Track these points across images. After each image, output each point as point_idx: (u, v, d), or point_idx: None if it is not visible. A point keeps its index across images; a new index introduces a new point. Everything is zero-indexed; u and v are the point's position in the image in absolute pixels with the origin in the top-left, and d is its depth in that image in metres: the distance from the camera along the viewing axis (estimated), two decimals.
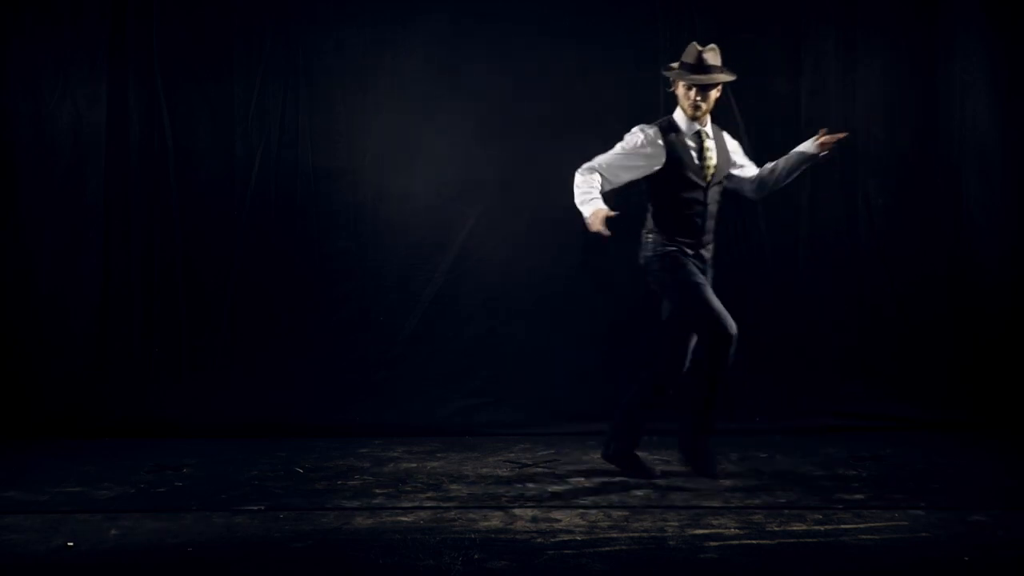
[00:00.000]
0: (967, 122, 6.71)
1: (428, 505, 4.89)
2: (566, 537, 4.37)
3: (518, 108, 6.61)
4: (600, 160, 5.19)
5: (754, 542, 4.29)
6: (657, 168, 5.17)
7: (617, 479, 5.34)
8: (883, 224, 6.74)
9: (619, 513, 4.73)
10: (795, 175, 5.41)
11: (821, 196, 6.74)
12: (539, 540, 4.33)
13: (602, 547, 4.23)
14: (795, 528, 4.47)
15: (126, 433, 6.48)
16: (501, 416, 6.59)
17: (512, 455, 5.97)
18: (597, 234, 5.00)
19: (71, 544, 4.31)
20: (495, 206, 6.67)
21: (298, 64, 6.69)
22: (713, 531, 4.43)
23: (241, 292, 6.67)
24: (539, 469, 5.61)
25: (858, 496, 5.01)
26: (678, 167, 5.17)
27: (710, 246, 5.32)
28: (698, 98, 5.16)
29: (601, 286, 6.56)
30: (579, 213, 5.13)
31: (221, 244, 6.67)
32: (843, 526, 4.49)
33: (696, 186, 5.21)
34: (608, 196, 5.18)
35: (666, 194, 5.20)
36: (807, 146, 5.31)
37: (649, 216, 5.29)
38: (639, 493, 5.11)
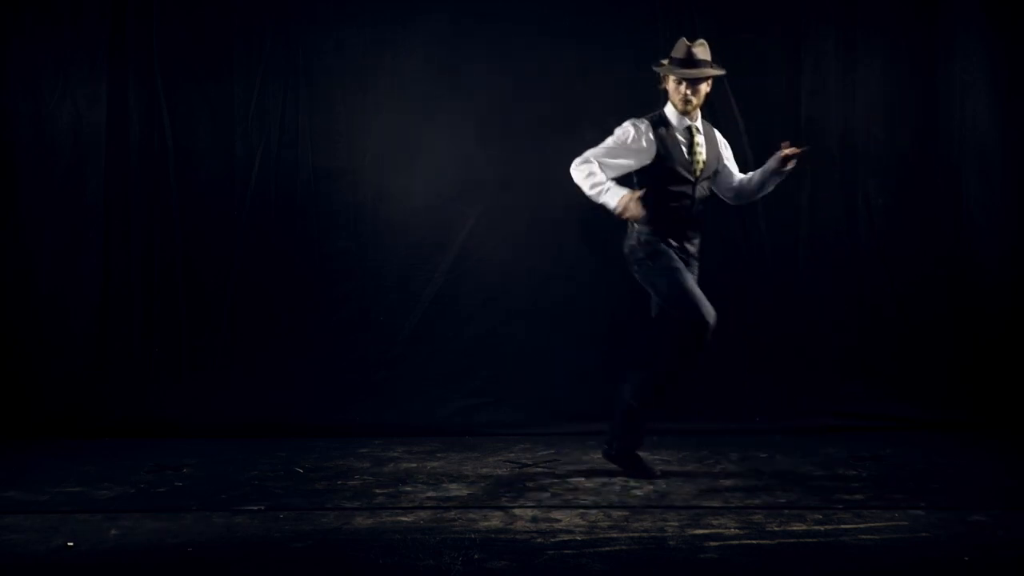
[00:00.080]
0: (967, 122, 6.71)
1: (428, 505, 4.89)
2: (566, 537, 4.37)
3: (518, 108, 6.61)
4: (592, 153, 5.21)
5: (754, 542, 4.29)
6: (647, 162, 5.19)
7: (617, 479, 5.34)
8: (883, 224, 6.74)
9: (619, 513, 4.73)
10: (767, 190, 5.48)
11: (821, 196, 6.74)
12: (539, 540, 4.33)
13: (602, 547, 4.23)
14: (795, 528, 4.47)
15: (126, 433, 6.49)
16: (501, 416, 6.59)
17: (512, 455, 5.97)
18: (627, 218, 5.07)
19: (71, 544, 4.31)
20: (495, 206, 6.67)
21: (298, 64, 6.69)
22: (713, 531, 4.43)
23: (241, 292, 6.67)
24: (539, 469, 5.61)
25: (858, 496, 5.01)
26: (667, 161, 5.18)
27: (696, 240, 5.33)
28: (688, 92, 5.19)
29: (601, 285, 6.56)
30: (595, 206, 5.15)
31: (221, 244, 6.67)
32: (843, 526, 4.49)
33: (685, 180, 5.22)
34: None
35: (655, 187, 5.21)
36: (770, 164, 5.34)
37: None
38: (639, 493, 5.11)
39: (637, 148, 5.19)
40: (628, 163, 5.21)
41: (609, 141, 5.23)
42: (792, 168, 5.34)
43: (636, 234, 5.27)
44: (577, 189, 5.25)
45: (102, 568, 4.08)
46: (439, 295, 6.69)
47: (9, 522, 4.64)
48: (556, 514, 4.72)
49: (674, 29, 6.42)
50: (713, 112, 6.61)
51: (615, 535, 4.39)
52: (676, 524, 4.53)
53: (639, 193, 5.06)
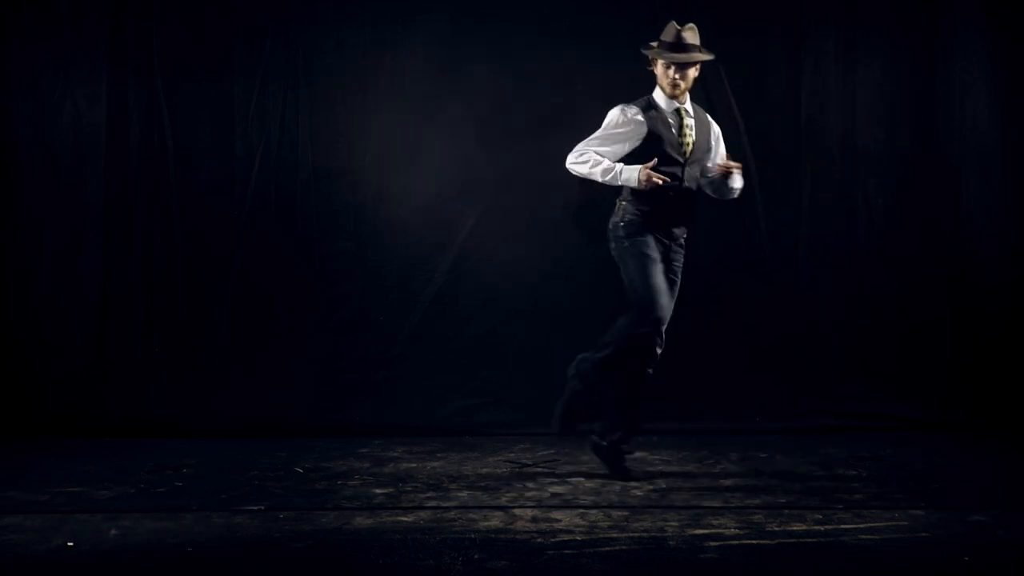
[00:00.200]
0: (967, 122, 6.71)
1: (428, 505, 4.89)
2: (566, 537, 4.37)
3: (518, 108, 6.61)
4: (586, 144, 5.23)
5: (754, 542, 4.29)
6: (637, 143, 5.20)
7: (617, 479, 5.34)
8: (883, 224, 6.74)
9: (619, 513, 4.73)
10: (724, 195, 5.46)
11: (821, 196, 6.74)
12: (539, 540, 4.33)
13: (602, 547, 4.23)
14: (795, 528, 4.47)
15: (126, 433, 6.48)
16: (501, 416, 6.58)
17: (512, 455, 5.97)
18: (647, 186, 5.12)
19: (71, 544, 4.31)
20: (495, 206, 6.67)
21: (298, 64, 6.69)
22: (713, 531, 4.43)
23: (241, 292, 6.67)
24: (539, 469, 5.61)
25: (858, 496, 5.01)
26: (657, 142, 5.19)
27: (683, 226, 5.32)
28: (676, 76, 5.21)
29: (601, 285, 6.56)
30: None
31: (221, 244, 6.67)
32: (843, 526, 4.49)
33: (674, 161, 5.22)
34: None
35: None
36: (715, 172, 5.37)
37: (625, 191, 5.29)
38: (639, 493, 5.11)
39: (626, 130, 5.22)
40: (621, 147, 5.22)
41: (599, 131, 5.25)
42: (725, 178, 5.30)
43: (622, 212, 5.27)
44: (577, 181, 5.26)
45: (102, 568, 4.08)
46: (439, 295, 6.69)
47: (9, 522, 4.64)
48: (556, 514, 4.72)
49: None
50: (713, 112, 6.61)
51: (615, 535, 4.39)
52: (676, 524, 4.53)
53: (652, 163, 5.11)
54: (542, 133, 6.46)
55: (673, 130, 5.24)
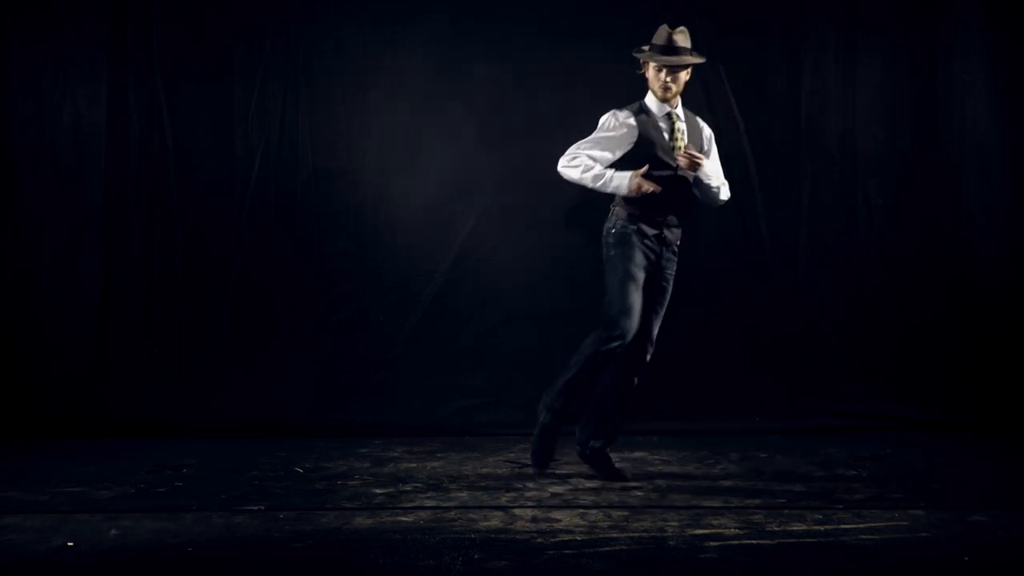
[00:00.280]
0: (967, 122, 6.72)
1: (428, 505, 4.89)
2: (566, 537, 4.37)
3: (518, 108, 6.61)
4: (577, 149, 5.22)
5: (754, 542, 4.28)
6: (629, 147, 5.20)
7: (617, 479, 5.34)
8: (883, 224, 6.74)
9: (619, 513, 4.73)
10: (706, 195, 5.37)
11: (821, 196, 6.75)
12: (539, 540, 4.33)
13: (602, 547, 4.23)
14: (795, 528, 4.47)
15: (126, 433, 6.49)
16: (501, 416, 6.58)
17: (512, 455, 5.97)
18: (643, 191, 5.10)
19: (71, 544, 4.31)
20: (495, 206, 6.68)
21: (298, 64, 6.69)
22: (713, 531, 4.43)
23: (241, 292, 6.67)
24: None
25: (858, 496, 5.01)
26: (649, 146, 5.18)
27: (676, 229, 5.30)
28: (668, 79, 5.20)
29: (600, 285, 6.56)
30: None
31: (221, 244, 6.67)
32: (843, 526, 4.49)
33: (666, 165, 5.20)
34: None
35: None
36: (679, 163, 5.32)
37: (619, 196, 5.29)
38: (639, 493, 5.11)
39: (619, 135, 5.20)
40: (613, 152, 5.22)
41: (591, 135, 5.25)
42: (693, 170, 5.25)
43: (614, 218, 5.26)
44: (571, 186, 5.26)
45: (102, 568, 4.08)
46: (439, 295, 6.69)
47: (9, 522, 4.63)
48: (556, 514, 4.72)
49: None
50: (713, 112, 6.63)
51: (615, 535, 4.39)
52: (676, 524, 4.53)
53: (643, 169, 5.09)
54: (542, 133, 6.46)
55: (665, 134, 5.24)
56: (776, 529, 4.46)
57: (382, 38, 6.68)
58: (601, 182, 5.15)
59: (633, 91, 5.41)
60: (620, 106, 5.29)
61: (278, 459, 5.88)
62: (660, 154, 5.22)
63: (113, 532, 4.49)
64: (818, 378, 6.71)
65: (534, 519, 4.64)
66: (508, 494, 5.09)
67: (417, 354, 6.68)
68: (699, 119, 5.44)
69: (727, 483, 5.29)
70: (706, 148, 5.36)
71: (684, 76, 5.25)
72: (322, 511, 4.80)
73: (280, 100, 6.69)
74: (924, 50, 6.72)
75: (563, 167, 5.24)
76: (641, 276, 5.19)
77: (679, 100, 5.31)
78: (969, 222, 6.71)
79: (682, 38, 5.22)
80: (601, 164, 5.20)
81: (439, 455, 6.00)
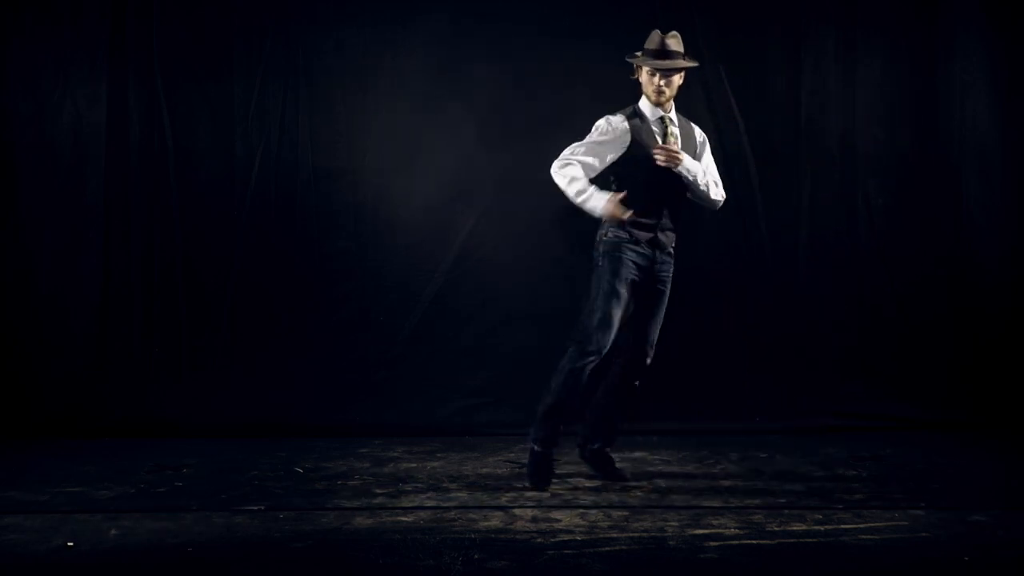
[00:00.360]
0: (967, 122, 6.72)
1: (428, 505, 4.89)
2: (566, 537, 4.37)
3: (518, 108, 6.61)
4: (571, 155, 5.22)
5: (754, 542, 4.29)
6: (622, 151, 5.20)
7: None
8: (883, 224, 6.74)
9: (619, 513, 4.73)
10: (695, 194, 5.34)
11: (821, 196, 6.75)
12: (539, 540, 4.33)
13: (602, 547, 4.23)
14: (795, 528, 4.47)
15: (126, 433, 6.49)
16: (501, 416, 6.58)
17: (512, 455, 5.97)
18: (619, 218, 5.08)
19: (71, 544, 4.31)
20: (495, 206, 6.68)
21: (298, 64, 6.69)
22: (713, 531, 4.43)
23: (241, 292, 6.67)
24: None
25: (858, 496, 5.01)
26: (642, 150, 5.18)
27: (670, 232, 5.29)
28: (661, 83, 5.20)
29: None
30: (578, 211, 5.16)
31: (221, 244, 6.67)
32: (843, 526, 4.49)
33: (659, 169, 5.20)
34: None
35: (629, 177, 5.21)
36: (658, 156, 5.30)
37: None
38: (639, 493, 5.11)
39: (612, 139, 5.20)
40: (607, 157, 5.21)
41: (586, 139, 5.25)
42: (673, 165, 5.23)
43: (607, 228, 5.26)
44: (559, 191, 5.27)
45: (102, 568, 4.08)
46: (439, 295, 6.69)
47: (9, 522, 4.64)
48: (556, 514, 4.72)
49: (674, 29, 6.43)
50: (713, 112, 6.63)
51: (615, 535, 4.39)
52: (676, 524, 4.53)
53: (621, 195, 5.08)
54: (542, 133, 6.45)
55: (658, 138, 5.23)
56: (776, 529, 4.46)
57: (382, 38, 6.68)
58: (581, 198, 5.14)
59: (633, 91, 5.41)
60: (620, 107, 5.30)
61: (278, 459, 5.88)
62: (652, 158, 5.21)
63: (113, 532, 4.49)
64: (818, 378, 6.71)
65: (534, 519, 4.64)
66: (508, 494, 5.09)
67: (417, 354, 6.69)
68: (693, 123, 5.43)
69: (727, 483, 5.29)
70: (698, 151, 5.35)
71: (677, 80, 5.26)
72: (322, 511, 4.80)
73: (280, 100, 6.69)
74: (924, 50, 6.72)
75: (554, 172, 5.24)
76: (626, 290, 5.20)
77: (672, 104, 5.31)
78: (969, 222, 6.71)
79: (675, 42, 5.22)
80: (592, 171, 5.20)
81: (439, 455, 6.00)
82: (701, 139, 5.40)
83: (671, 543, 4.27)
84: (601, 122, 5.25)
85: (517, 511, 4.77)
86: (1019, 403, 6.59)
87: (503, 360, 6.64)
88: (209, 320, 6.66)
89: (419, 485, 5.29)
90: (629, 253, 5.19)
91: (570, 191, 5.16)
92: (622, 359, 5.34)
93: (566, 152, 5.23)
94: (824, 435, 6.42)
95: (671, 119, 5.28)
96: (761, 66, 6.75)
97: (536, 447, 5.29)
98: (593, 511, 4.77)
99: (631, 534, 4.40)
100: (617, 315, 5.19)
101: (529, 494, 5.09)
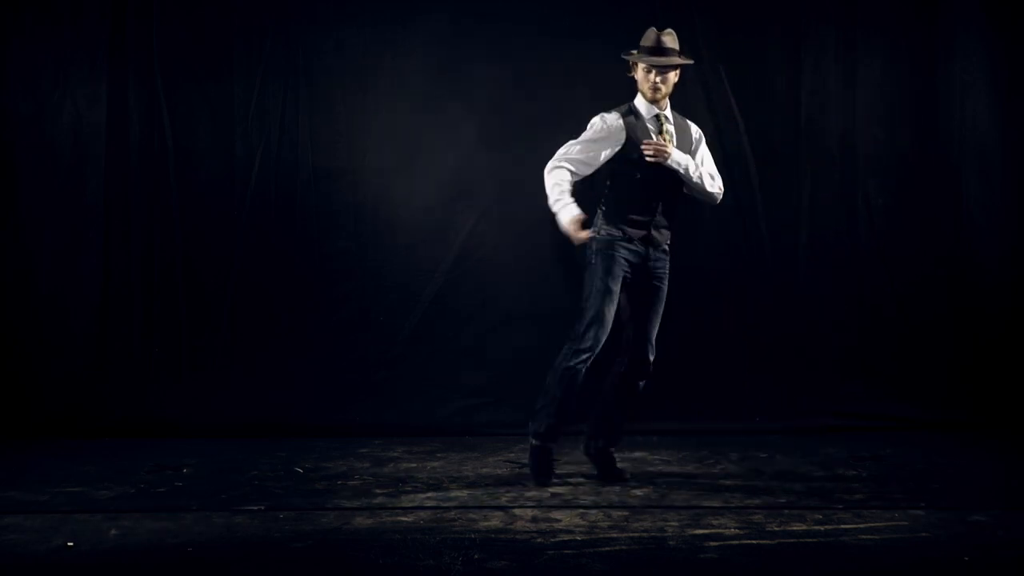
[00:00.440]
0: (967, 122, 6.72)
1: (428, 505, 4.89)
2: (566, 537, 4.37)
3: (518, 108, 6.61)
4: (565, 156, 5.23)
5: (754, 542, 4.28)
6: (617, 148, 5.21)
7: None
8: (883, 224, 6.74)
9: (619, 513, 4.73)
10: (691, 190, 5.34)
11: (821, 196, 6.75)
12: (539, 540, 4.33)
13: (602, 547, 4.23)
14: (795, 528, 4.47)
15: (126, 433, 6.49)
16: (501, 416, 6.58)
17: (512, 455, 5.97)
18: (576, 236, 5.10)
19: (71, 544, 4.31)
20: (495, 206, 6.67)
21: (298, 64, 6.69)
22: (713, 531, 4.43)
23: (241, 292, 6.67)
24: None
25: (858, 496, 5.01)
26: (636, 148, 5.19)
27: (664, 230, 5.29)
28: (657, 80, 5.21)
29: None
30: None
31: (221, 244, 6.67)
32: (843, 526, 4.49)
33: (653, 166, 5.20)
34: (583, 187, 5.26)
35: (624, 174, 5.22)
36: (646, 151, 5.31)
37: (605, 194, 5.29)
38: (639, 493, 5.11)
39: (606, 136, 5.21)
40: (601, 155, 5.22)
41: (581, 137, 5.26)
42: (661, 159, 5.22)
43: (599, 222, 5.27)
44: (578, 180, 5.27)
45: (102, 568, 4.08)
46: (439, 295, 6.69)
47: (9, 522, 4.64)
48: (556, 514, 4.72)
49: (674, 29, 6.42)
50: (713, 112, 6.63)
51: (615, 535, 4.39)
52: (676, 524, 4.53)
53: (582, 217, 5.08)
54: (542, 133, 6.44)
55: (653, 135, 5.24)
56: (776, 529, 4.46)
57: (382, 38, 6.68)
58: (555, 207, 5.16)
59: (634, 90, 5.41)
60: (616, 105, 5.31)
61: (278, 459, 5.88)
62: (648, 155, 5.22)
63: (113, 532, 4.49)
64: (818, 378, 6.71)
65: (534, 519, 4.64)
66: (508, 494, 5.09)
67: (417, 354, 6.68)
68: (688, 121, 5.43)
69: (727, 483, 5.29)
70: (694, 148, 5.35)
71: (673, 77, 5.27)
72: (322, 511, 4.80)
73: (280, 100, 6.69)
74: (924, 50, 6.72)
75: (545, 172, 5.26)
76: (619, 288, 5.22)
77: (668, 102, 5.31)
78: (969, 222, 6.71)
79: (670, 39, 5.23)
80: (587, 169, 5.21)
81: (439, 455, 6.00)
82: (697, 135, 5.40)
83: (671, 543, 4.27)
84: (596, 119, 5.26)
85: (517, 511, 4.77)
86: (1019, 403, 6.59)
87: (503, 360, 6.64)
88: (209, 320, 6.66)
89: (419, 485, 5.29)
90: (622, 251, 5.20)
91: (551, 195, 5.19)
92: (624, 358, 5.34)
93: (561, 151, 5.24)
94: (824, 435, 6.42)
95: (666, 116, 5.29)
96: (761, 66, 6.75)
97: (534, 441, 5.33)
98: (593, 511, 4.77)
99: (631, 534, 4.40)
100: (610, 313, 5.20)
101: (529, 494, 5.09)
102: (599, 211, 5.29)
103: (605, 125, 5.22)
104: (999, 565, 4.06)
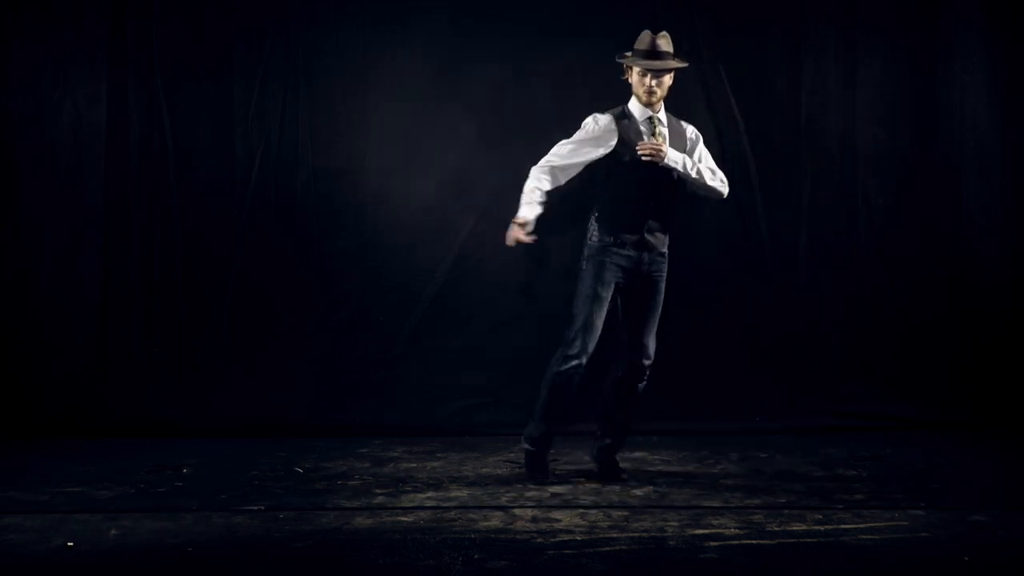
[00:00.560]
0: (967, 122, 6.72)
1: (428, 505, 4.89)
2: (566, 537, 4.37)
3: (518, 108, 6.61)
4: (555, 151, 5.26)
5: (754, 542, 4.29)
6: (607, 151, 5.21)
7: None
8: (883, 224, 6.74)
9: (619, 513, 4.73)
10: (696, 190, 5.35)
11: (821, 196, 6.75)
12: (539, 540, 4.33)
13: (602, 547, 4.23)
14: (795, 528, 4.47)
15: (126, 433, 6.48)
16: (501, 416, 6.58)
17: (512, 455, 5.96)
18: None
19: (71, 544, 4.31)
20: (495, 206, 6.66)
21: (298, 64, 6.69)
22: (713, 531, 4.43)
23: (241, 292, 6.67)
24: None
25: (858, 496, 5.01)
26: (628, 150, 5.19)
27: (658, 234, 5.28)
28: (652, 83, 5.21)
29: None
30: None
31: (221, 244, 6.67)
32: (843, 526, 4.49)
33: (646, 170, 5.20)
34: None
35: (617, 177, 5.22)
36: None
37: (598, 200, 5.29)
38: (639, 493, 5.11)
39: (597, 137, 5.22)
40: (591, 155, 5.23)
41: (573, 137, 5.27)
42: (657, 159, 5.21)
43: (592, 228, 5.28)
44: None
45: (102, 568, 4.08)
46: (439, 295, 6.69)
47: (9, 522, 4.64)
48: (556, 514, 4.72)
49: (674, 29, 6.41)
50: (713, 112, 6.63)
51: (615, 535, 4.39)
52: (676, 524, 4.53)
53: (526, 222, 5.14)
54: (542, 133, 6.43)
55: (645, 138, 5.24)
56: (776, 529, 4.46)
57: (382, 38, 6.68)
58: (524, 199, 5.22)
59: (631, 92, 5.42)
60: (614, 106, 5.32)
61: (278, 459, 5.88)
62: (639, 158, 5.21)
63: (113, 532, 4.49)
64: (818, 378, 6.71)
65: (534, 519, 4.64)
66: (508, 494, 5.09)
67: (417, 354, 6.68)
68: (684, 123, 5.42)
69: (727, 483, 5.29)
70: (689, 149, 5.35)
71: (668, 80, 5.27)
72: (322, 511, 4.80)
73: (280, 100, 6.69)
74: (924, 50, 6.72)
75: (531, 171, 5.28)
76: (609, 295, 5.24)
77: (662, 104, 5.32)
78: (969, 222, 6.71)
79: (665, 42, 5.23)
80: (575, 168, 5.23)
81: (439, 455, 6.00)
82: (692, 136, 5.39)
83: (671, 543, 4.27)
84: (588, 120, 5.28)
85: (517, 511, 4.77)
86: (1019, 403, 6.59)
87: (503, 360, 6.64)
88: (209, 320, 6.66)
89: (419, 485, 5.29)
90: (614, 257, 5.21)
91: (525, 190, 5.22)
92: (621, 361, 5.35)
93: (553, 150, 5.28)
94: (824, 435, 6.42)
95: (659, 119, 5.29)
96: (761, 66, 6.74)
97: (527, 446, 5.39)
98: (593, 511, 4.77)
99: (631, 534, 4.40)
100: (598, 318, 5.23)
101: (529, 494, 5.09)
102: (592, 216, 5.30)
103: (597, 126, 5.24)
104: (999, 565, 4.06)
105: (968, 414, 6.62)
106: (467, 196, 6.68)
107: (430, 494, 5.10)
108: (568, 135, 5.33)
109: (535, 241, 5.20)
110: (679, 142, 5.31)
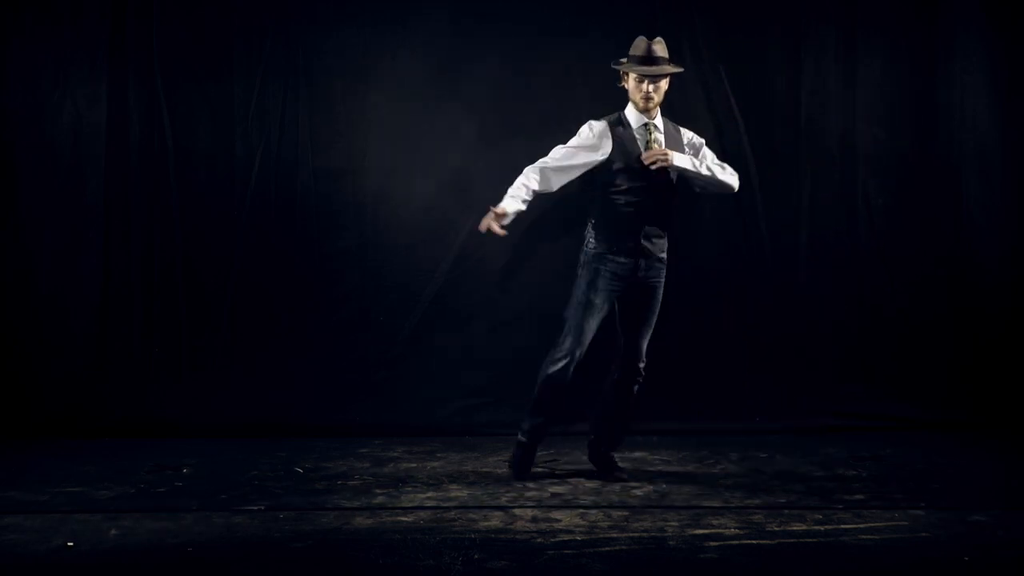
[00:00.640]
0: (967, 122, 6.72)
1: (428, 505, 4.89)
2: (566, 537, 4.37)
3: (518, 108, 6.61)
4: (551, 154, 5.27)
5: (754, 542, 4.29)
6: (602, 159, 5.21)
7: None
8: (883, 224, 6.74)
9: (619, 513, 4.73)
10: (705, 189, 5.38)
11: (821, 196, 6.75)
12: (539, 540, 4.33)
13: (602, 547, 4.23)
14: (795, 528, 4.47)
15: (126, 433, 6.48)
16: (501, 416, 6.57)
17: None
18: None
19: (71, 544, 4.31)
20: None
21: (298, 64, 6.69)
22: (713, 531, 4.43)
23: (241, 292, 6.67)
24: (539, 469, 5.60)
25: (858, 496, 5.01)
26: (624, 157, 5.20)
27: (656, 240, 5.28)
28: (649, 89, 5.23)
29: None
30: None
31: (221, 244, 6.67)
32: (843, 526, 4.49)
33: (642, 176, 5.20)
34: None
35: (613, 185, 5.23)
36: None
37: (595, 207, 5.30)
38: (639, 493, 5.11)
39: (591, 144, 5.23)
40: (584, 161, 5.23)
41: (569, 143, 5.28)
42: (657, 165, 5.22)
43: (589, 235, 5.31)
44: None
45: (102, 568, 4.09)
46: (439, 295, 6.69)
47: (9, 522, 4.64)
48: (556, 514, 4.72)
49: (674, 29, 6.43)
50: (713, 112, 6.63)
51: (615, 535, 4.39)
52: (676, 524, 4.53)
53: (503, 213, 5.17)
54: (542, 133, 6.44)
55: (640, 144, 5.25)
56: (776, 529, 4.46)
57: (382, 38, 6.67)
58: (509, 191, 5.25)
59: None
60: (619, 107, 5.32)
61: (278, 459, 5.88)
62: (635, 165, 5.22)
63: (113, 532, 4.49)
64: (818, 378, 6.71)
65: (534, 519, 4.64)
66: (508, 494, 5.09)
67: (417, 354, 6.68)
68: (682, 128, 5.42)
69: (727, 483, 5.30)
70: (689, 154, 5.35)
71: (664, 85, 5.29)
72: (322, 511, 4.81)
73: (280, 100, 6.69)
74: (924, 50, 6.72)
75: (524, 171, 5.29)
76: (602, 301, 5.26)
77: (659, 110, 5.32)
78: (969, 222, 6.71)
79: (660, 48, 5.24)
80: (569, 174, 5.24)
81: (439, 455, 6.00)
82: (689, 140, 5.39)
83: (671, 543, 4.27)
84: (584, 127, 5.31)
85: (517, 511, 4.77)
86: (1019, 403, 6.59)
87: (503, 360, 6.63)
88: (209, 320, 6.66)
89: (419, 485, 5.30)
90: (609, 264, 5.24)
91: (509, 189, 5.25)
92: (617, 365, 5.36)
93: (551, 153, 5.29)
94: (824, 435, 6.42)
95: (655, 125, 5.29)
96: (761, 66, 6.74)
97: (521, 437, 5.45)
98: (593, 511, 4.77)
99: (631, 534, 4.40)
100: (588, 325, 5.26)
101: (529, 494, 5.10)
102: (589, 223, 5.31)
103: (592, 133, 5.26)
104: (999, 565, 4.06)
105: (968, 414, 6.62)
106: (467, 196, 6.67)
107: (430, 494, 5.10)
108: (568, 135, 5.33)
109: (505, 235, 5.23)
110: (675, 148, 5.30)
